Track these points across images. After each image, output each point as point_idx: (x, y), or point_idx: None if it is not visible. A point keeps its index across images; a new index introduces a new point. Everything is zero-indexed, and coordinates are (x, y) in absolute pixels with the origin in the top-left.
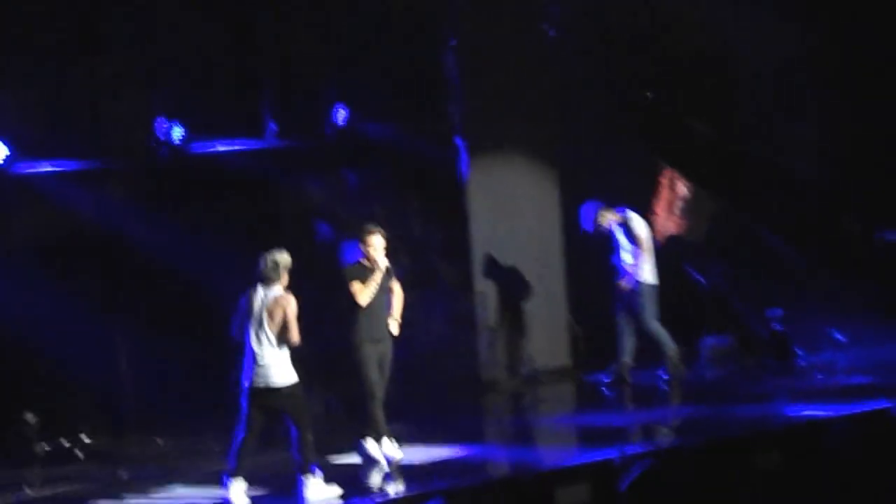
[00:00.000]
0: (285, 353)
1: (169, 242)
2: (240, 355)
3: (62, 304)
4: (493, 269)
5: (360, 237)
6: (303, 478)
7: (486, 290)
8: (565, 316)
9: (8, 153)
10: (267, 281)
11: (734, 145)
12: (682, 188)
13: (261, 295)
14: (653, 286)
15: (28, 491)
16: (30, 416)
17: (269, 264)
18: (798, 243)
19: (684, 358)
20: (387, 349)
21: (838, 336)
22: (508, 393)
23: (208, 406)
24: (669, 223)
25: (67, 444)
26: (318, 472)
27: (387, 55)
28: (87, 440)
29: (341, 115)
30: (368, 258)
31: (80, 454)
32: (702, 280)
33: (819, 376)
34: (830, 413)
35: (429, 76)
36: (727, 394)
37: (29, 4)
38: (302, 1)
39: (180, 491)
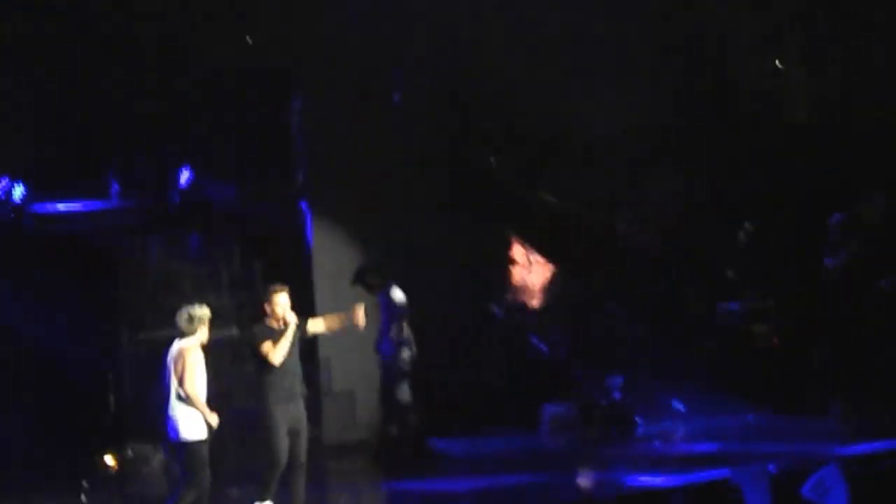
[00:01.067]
0: (191, 406)
1: (5, 302)
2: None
3: None
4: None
5: (264, 297)
6: None
7: (330, 356)
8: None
9: None
10: (182, 335)
11: (577, 213)
12: (526, 257)
13: (174, 348)
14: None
15: None
16: None
17: (185, 317)
18: (639, 312)
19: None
20: (300, 409)
21: (678, 405)
22: (353, 458)
23: (42, 467)
24: (517, 290)
25: None
26: None
27: (231, 116)
28: None
29: (185, 176)
30: (275, 317)
31: None
32: (543, 348)
33: (658, 445)
34: (670, 482)
35: (274, 139)
36: (567, 462)
37: None
38: (149, 61)
39: None
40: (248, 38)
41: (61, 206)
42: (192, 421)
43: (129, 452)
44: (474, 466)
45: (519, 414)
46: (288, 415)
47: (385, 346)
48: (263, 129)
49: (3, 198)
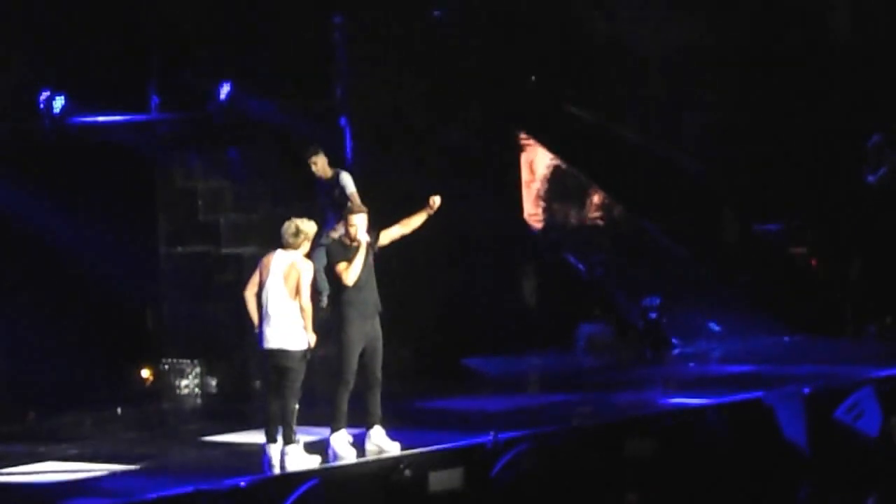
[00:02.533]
0: (296, 318)
1: (47, 215)
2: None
3: None
4: None
5: (343, 216)
6: (276, 444)
7: None
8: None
9: None
10: (286, 246)
11: (618, 134)
12: (564, 175)
13: (278, 259)
14: None
15: None
16: None
17: (291, 230)
18: (677, 234)
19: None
20: (376, 328)
21: (714, 326)
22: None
23: (78, 381)
24: (555, 209)
25: None
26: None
27: (273, 31)
28: None
29: (225, 90)
30: (349, 236)
31: None
32: (580, 268)
33: (693, 366)
34: (704, 402)
35: (314, 54)
36: (602, 381)
37: None
38: None
39: (50, 466)
40: None
41: (101, 119)
42: (298, 331)
43: (165, 366)
44: (509, 385)
45: (554, 333)
46: (364, 332)
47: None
48: (303, 44)
49: (43, 109)
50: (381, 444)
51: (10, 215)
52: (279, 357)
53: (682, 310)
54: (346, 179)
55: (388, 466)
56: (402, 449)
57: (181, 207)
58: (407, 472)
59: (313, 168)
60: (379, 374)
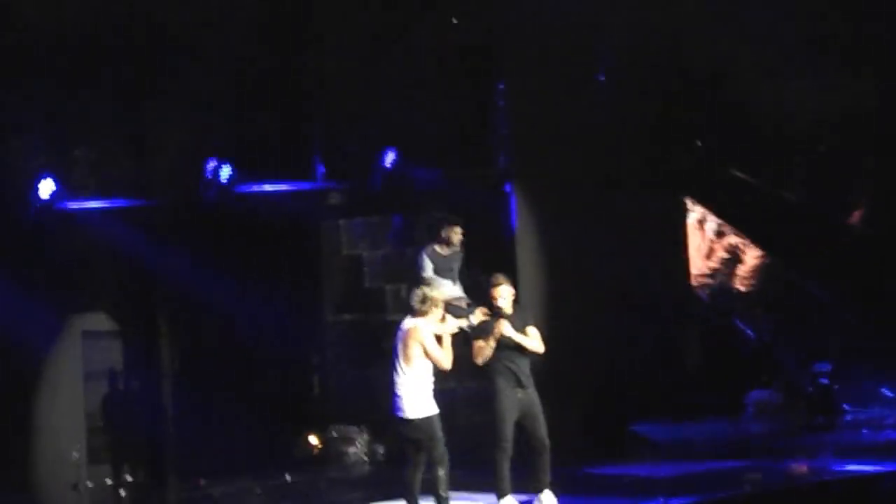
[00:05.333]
0: (421, 385)
1: (213, 282)
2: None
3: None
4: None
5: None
6: None
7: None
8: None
9: (55, 188)
10: (415, 313)
11: (783, 198)
12: (731, 241)
13: (405, 326)
14: None
15: None
16: (74, 453)
17: (418, 297)
18: (847, 298)
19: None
20: (529, 395)
21: (887, 392)
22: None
23: (246, 448)
24: (713, 274)
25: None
26: None
27: (437, 98)
28: (129, 478)
29: (389, 158)
30: (493, 308)
31: (122, 493)
32: (750, 333)
33: (866, 432)
34: (878, 468)
35: (477, 121)
36: (772, 448)
37: (88, 42)
38: (352, 44)
39: None
40: (452, 18)
41: (267, 188)
42: (422, 399)
43: (333, 433)
44: (677, 451)
45: (722, 399)
46: (516, 400)
47: None
48: (467, 111)
49: (210, 178)
50: None
51: (179, 283)
52: (412, 427)
53: (854, 376)
54: (422, 261)
55: None
56: None
57: (347, 275)
58: None
59: (454, 238)
60: (544, 438)
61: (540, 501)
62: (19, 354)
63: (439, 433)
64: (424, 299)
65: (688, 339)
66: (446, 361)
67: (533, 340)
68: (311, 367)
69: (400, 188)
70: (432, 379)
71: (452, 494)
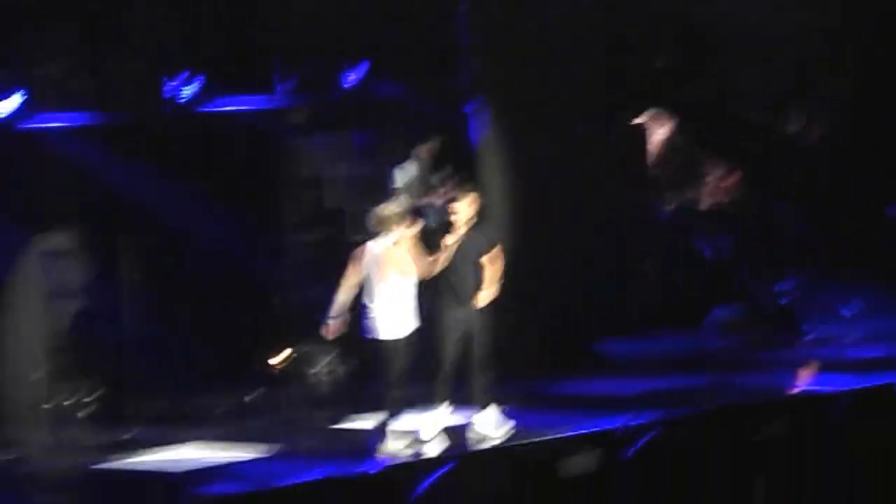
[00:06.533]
0: (395, 305)
1: (174, 201)
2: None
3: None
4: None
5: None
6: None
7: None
8: None
9: (17, 106)
10: (377, 233)
11: (745, 116)
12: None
13: (370, 247)
14: None
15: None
16: (35, 374)
17: (375, 219)
18: (809, 216)
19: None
20: (471, 314)
21: (846, 309)
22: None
23: (209, 366)
24: (674, 192)
25: (68, 403)
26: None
27: (399, 12)
28: (90, 398)
29: (352, 73)
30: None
31: (82, 414)
32: (711, 251)
33: (825, 349)
34: (836, 387)
35: (442, 35)
36: (733, 364)
37: None
38: None
39: (185, 451)
40: None
41: (228, 105)
42: (390, 320)
43: (294, 354)
44: (640, 368)
45: (685, 315)
46: (455, 318)
47: None
48: (431, 24)
49: (171, 95)
50: (488, 426)
51: (140, 201)
52: (383, 347)
53: (814, 294)
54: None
55: (523, 450)
56: (536, 433)
57: (308, 194)
58: (540, 457)
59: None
60: (483, 357)
61: (481, 417)
62: None
63: (406, 354)
64: (381, 220)
65: (650, 256)
66: (426, 268)
67: (487, 273)
68: (273, 285)
69: (363, 103)
70: (408, 297)
71: (409, 411)
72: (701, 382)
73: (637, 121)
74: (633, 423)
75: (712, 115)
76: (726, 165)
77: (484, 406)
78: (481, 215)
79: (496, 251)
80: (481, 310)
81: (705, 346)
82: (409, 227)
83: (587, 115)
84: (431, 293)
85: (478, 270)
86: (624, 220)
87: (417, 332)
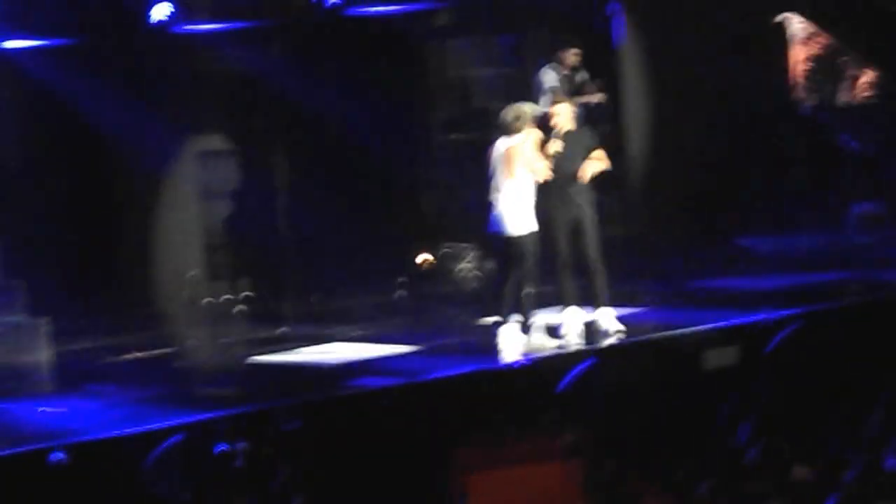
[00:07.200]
0: (521, 202)
1: (329, 103)
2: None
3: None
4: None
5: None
6: (506, 327)
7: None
8: None
9: (172, 10)
10: (508, 132)
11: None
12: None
13: (500, 145)
14: None
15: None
16: (193, 271)
17: (510, 116)
18: None
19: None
20: (583, 210)
21: None
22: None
23: (360, 264)
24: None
25: (228, 298)
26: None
27: None
28: (246, 294)
29: None
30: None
31: (240, 308)
32: (855, 146)
33: None
34: None
35: None
36: (876, 259)
37: None
38: None
39: (337, 347)
40: None
41: (376, 8)
42: (519, 216)
43: (444, 250)
44: (782, 264)
45: (827, 212)
46: (567, 216)
47: None
48: None
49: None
50: (606, 324)
51: (295, 103)
52: (509, 243)
53: None
54: (547, 72)
55: (665, 343)
56: (675, 327)
57: (456, 95)
58: (683, 350)
59: (570, 59)
60: (593, 258)
61: (596, 317)
62: (140, 174)
63: (532, 250)
64: (517, 116)
65: (792, 151)
66: (542, 172)
67: (592, 164)
68: (423, 185)
69: (507, 7)
70: (532, 196)
71: (540, 311)
72: (843, 278)
73: (777, 19)
74: (773, 318)
75: (857, 13)
76: (867, 62)
77: (596, 307)
78: (579, 123)
79: (600, 153)
80: (594, 207)
81: (849, 241)
82: (539, 128)
83: (731, 10)
84: (544, 195)
85: (580, 168)
86: (769, 114)
87: (537, 232)
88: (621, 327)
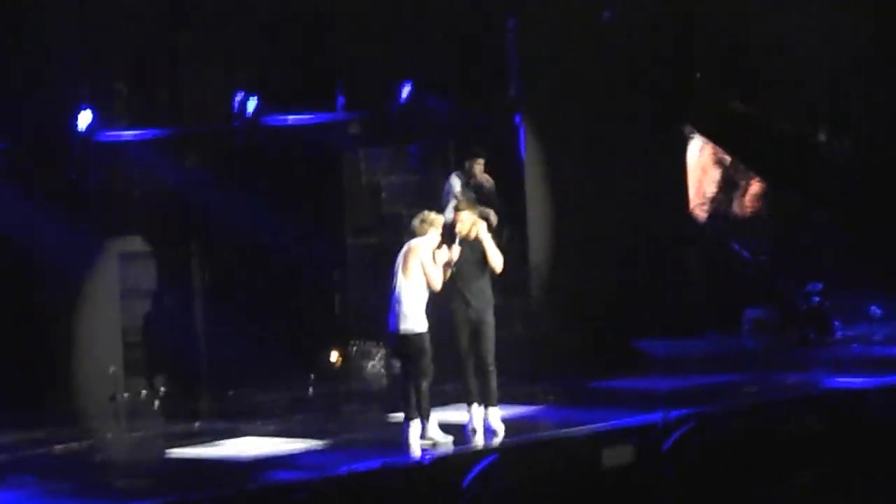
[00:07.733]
0: (416, 300)
1: (242, 208)
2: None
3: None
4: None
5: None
6: (410, 423)
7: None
8: None
9: (93, 119)
10: (414, 235)
11: (778, 127)
12: (729, 166)
13: (405, 248)
14: None
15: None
16: (112, 367)
17: (418, 220)
18: (839, 222)
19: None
20: (482, 316)
21: (875, 310)
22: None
23: (272, 362)
24: (711, 200)
25: (145, 394)
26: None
27: (449, 33)
28: (163, 390)
29: (406, 90)
30: (457, 231)
31: (156, 403)
32: (746, 254)
33: (856, 347)
34: (868, 382)
35: (489, 55)
36: (768, 362)
37: None
38: None
39: (250, 442)
40: None
41: (291, 118)
42: (417, 314)
43: (353, 348)
44: (677, 366)
45: (721, 318)
46: (466, 319)
47: None
48: (479, 45)
49: (238, 110)
50: (490, 424)
51: (210, 208)
52: (403, 340)
53: (844, 294)
54: (454, 180)
55: (565, 442)
56: (575, 426)
57: (366, 201)
58: (581, 448)
59: (476, 169)
60: (486, 359)
61: (486, 417)
62: (61, 275)
63: (426, 348)
64: (423, 220)
65: (687, 261)
66: (437, 281)
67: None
68: (333, 286)
69: (416, 118)
70: (426, 296)
71: (437, 407)
72: (737, 380)
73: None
74: (670, 418)
75: (749, 127)
76: (761, 175)
77: (487, 406)
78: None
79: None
80: (489, 311)
81: (742, 345)
82: (442, 232)
83: (628, 127)
84: (443, 296)
85: (482, 272)
86: (665, 226)
87: (431, 330)
88: (502, 428)
